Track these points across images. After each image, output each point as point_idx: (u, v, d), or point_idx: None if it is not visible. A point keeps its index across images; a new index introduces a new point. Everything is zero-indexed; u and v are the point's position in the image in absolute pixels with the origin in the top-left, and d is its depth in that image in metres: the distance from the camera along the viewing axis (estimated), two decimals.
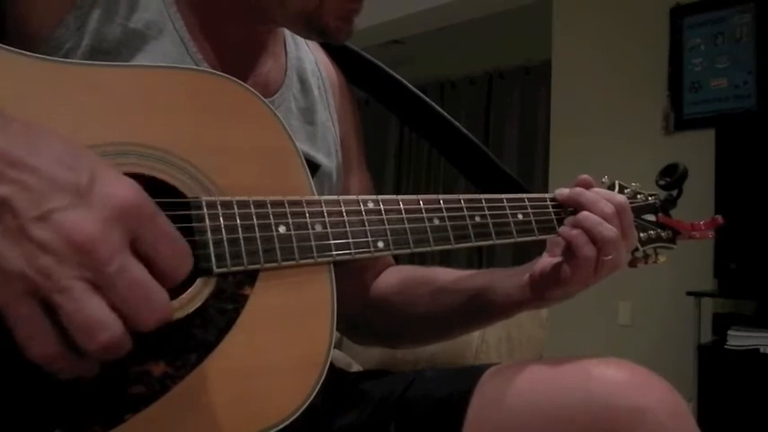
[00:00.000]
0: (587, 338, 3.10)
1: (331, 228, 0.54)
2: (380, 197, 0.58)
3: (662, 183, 0.78)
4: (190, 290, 0.48)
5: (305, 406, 0.49)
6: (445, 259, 4.23)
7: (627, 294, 3.00)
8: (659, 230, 0.76)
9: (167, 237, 0.41)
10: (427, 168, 5.25)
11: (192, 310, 0.47)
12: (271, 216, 0.51)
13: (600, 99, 3.22)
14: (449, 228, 0.61)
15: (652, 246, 0.76)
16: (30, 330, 0.37)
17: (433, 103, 0.83)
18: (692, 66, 2.96)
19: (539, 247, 0.73)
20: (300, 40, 0.78)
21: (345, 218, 0.55)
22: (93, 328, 0.37)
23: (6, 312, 0.37)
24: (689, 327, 2.56)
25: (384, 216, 0.57)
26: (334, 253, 0.54)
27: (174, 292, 0.47)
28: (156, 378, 0.45)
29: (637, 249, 0.74)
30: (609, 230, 0.64)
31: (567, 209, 0.69)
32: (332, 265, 0.54)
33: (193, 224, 0.48)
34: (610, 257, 0.64)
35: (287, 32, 0.76)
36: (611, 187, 0.76)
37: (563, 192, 0.70)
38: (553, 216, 0.69)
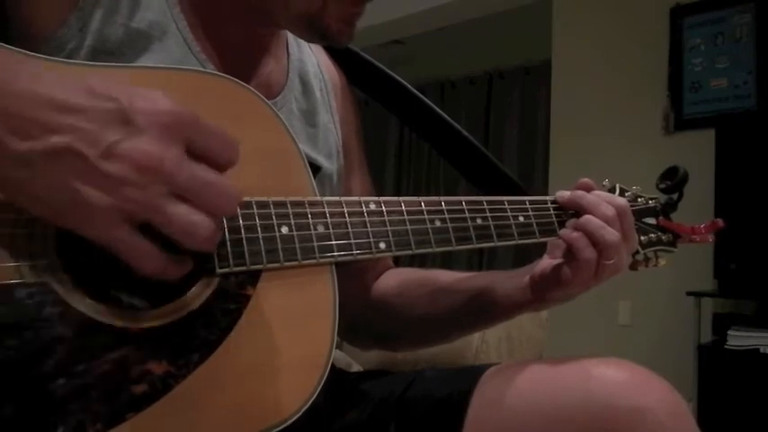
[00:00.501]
0: (587, 338, 3.10)
1: (333, 228, 0.54)
2: (382, 198, 0.59)
3: (662, 186, 0.78)
4: (193, 289, 0.48)
5: (306, 406, 0.49)
6: (446, 261, 4.23)
7: (627, 294, 3.00)
8: (660, 234, 0.77)
9: (212, 133, 0.44)
10: (427, 169, 5.25)
11: (195, 309, 0.48)
12: (273, 217, 0.51)
13: (600, 99, 3.22)
14: (450, 229, 0.61)
15: (652, 249, 0.76)
16: (137, 253, 0.42)
17: (433, 105, 0.83)
18: (692, 66, 2.96)
19: (539, 250, 0.73)
20: (303, 42, 0.78)
21: (347, 219, 0.56)
22: (192, 230, 0.42)
23: (112, 244, 0.41)
24: (689, 327, 2.56)
25: (386, 217, 0.58)
26: (336, 254, 0.54)
27: (177, 291, 0.48)
28: (159, 377, 0.45)
29: (637, 252, 0.74)
30: (610, 234, 0.64)
31: (569, 211, 0.69)
32: (334, 266, 0.54)
33: None
34: (610, 261, 0.65)
35: (289, 34, 0.76)
36: (612, 190, 0.76)
37: (564, 194, 0.70)
38: (554, 218, 0.69)
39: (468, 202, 0.64)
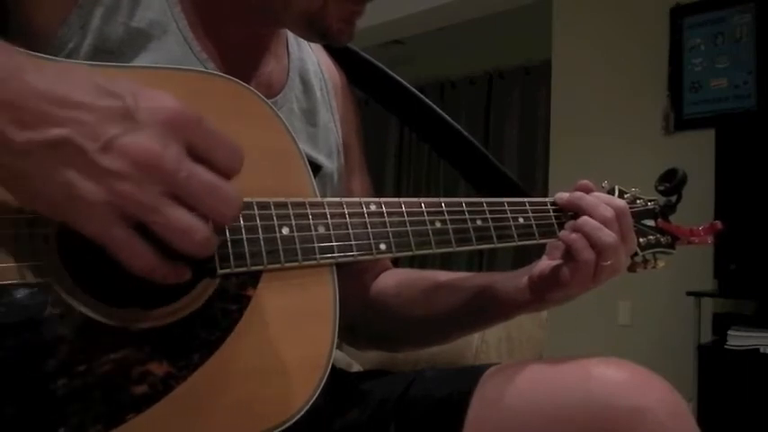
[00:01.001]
0: (587, 338, 3.10)
1: (333, 230, 0.54)
2: (383, 199, 0.59)
3: (661, 188, 0.78)
4: (193, 290, 0.48)
5: (307, 407, 0.49)
6: (446, 263, 4.23)
7: (626, 294, 3.00)
8: (658, 235, 0.77)
9: (216, 137, 0.44)
10: (427, 169, 5.25)
11: (196, 309, 0.48)
12: (274, 217, 0.52)
13: (600, 99, 3.22)
14: (450, 230, 0.61)
15: (651, 251, 0.76)
16: (130, 250, 0.41)
17: (433, 105, 0.83)
18: (692, 66, 2.96)
19: (539, 251, 0.73)
20: (303, 41, 0.78)
21: (348, 220, 0.56)
22: (187, 232, 0.41)
23: (104, 240, 0.40)
24: (689, 327, 2.56)
25: (386, 218, 0.58)
26: (337, 255, 0.54)
27: (178, 292, 0.48)
28: (159, 378, 0.45)
29: (636, 254, 0.74)
30: (608, 236, 0.65)
31: (568, 213, 0.69)
32: (334, 267, 0.54)
33: None
34: (609, 262, 0.65)
35: (290, 34, 0.76)
36: (611, 192, 0.76)
37: (563, 196, 0.70)
38: (554, 220, 0.69)
39: (468, 204, 0.64)
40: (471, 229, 0.63)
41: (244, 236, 0.50)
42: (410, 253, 0.59)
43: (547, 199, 0.70)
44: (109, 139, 0.40)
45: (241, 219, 0.50)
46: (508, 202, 0.66)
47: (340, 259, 0.54)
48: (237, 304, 0.49)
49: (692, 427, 0.58)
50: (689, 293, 2.56)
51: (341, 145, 0.78)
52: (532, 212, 0.68)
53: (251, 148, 0.53)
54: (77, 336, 0.44)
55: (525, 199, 0.68)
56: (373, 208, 0.57)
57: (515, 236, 0.65)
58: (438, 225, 0.61)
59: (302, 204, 0.54)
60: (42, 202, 0.41)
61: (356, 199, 0.57)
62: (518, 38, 4.36)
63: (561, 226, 0.69)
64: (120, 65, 0.54)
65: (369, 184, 0.86)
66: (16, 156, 0.39)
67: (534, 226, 0.67)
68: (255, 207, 0.51)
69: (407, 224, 0.59)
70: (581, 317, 2.98)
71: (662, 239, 0.77)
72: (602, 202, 0.67)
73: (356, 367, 1.20)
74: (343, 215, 0.55)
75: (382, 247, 0.57)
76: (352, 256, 0.55)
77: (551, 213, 0.69)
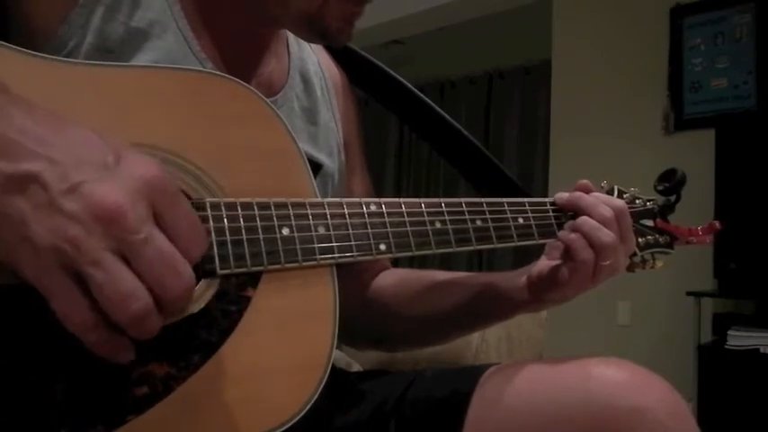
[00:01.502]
0: (587, 338, 3.10)
1: (333, 230, 0.54)
2: (383, 199, 0.59)
3: (660, 188, 0.79)
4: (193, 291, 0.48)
5: (307, 408, 0.49)
6: (446, 263, 4.23)
7: (626, 294, 3.00)
8: (657, 235, 0.77)
9: (187, 216, 0.41)
10: (427, 169, 5.25)
11: (196, 311, 0.48)
12: (274, 218, 0.52)
13: (600, 99, 3.22)
14: (450, 231, 0.61)
15: (650, 251, 0.76)
16: (65, 301, 0.38)
17: (434, 105, 0.83)
18: (692, 66, 2.96)
19: (538, 252, 0.73)
20: (303, 40, 0.78)
21: (348, 220, 0.56)
22: (123, 299, 0.37)
23: (41, 285, 0.38)
24: (689, 327, 2.56)
25: (386, 219, 0.58)
26: (337, 255, 0.54)
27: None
28: (159, 379, 0.45)
29: (635, 254, 0.74)
30: (607, 236, 0.65)
31: (568, 213, 0.69)
32: (334, 268, 0.54)
33: None
34: (607, 262, 0.65)
35: (290, 33, 0.76)
36: (610, 192, 0.76)
37: (562, 196, 0.70)
38: (553, 220, 0.69)
39: (467, 204, 0.64)
40: (471, 230, 0.63)
41: (244, 236, 0.50)
42: (410, 253, 0.59)
43: (546, 199, 0.70)
44: (77, 183, 0.38)
45: (241, 219, 0.50)
46: (508, 203, 0.66)
47: (340, 260, 0.54)
48: (237, 305, 0.49)
49: (692, 427, 0.58)
50: (689, 293, 2.56)
51: (341, 144, 0.78)
52: (532, 213, 0.68)
53: (251, 147, 0.54)
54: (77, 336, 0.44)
55: (525, 199, 0.68)
56: (373, 208, 0.57)
57: (515, 236, 0.65)
58: (438, 225, 0.61)
59: (302, 205, 0.54)
60: None
61: (356, 199, 0.57)
62: (518, 38, 4.36)
63: (560, 226, 0.69)
64: (120, 64, 0.54)
65: (369, 183, 0.86)
66: None
67: (534, 226, 0.67)
68: (255, 207, 0.51)
69: (407, 224, 0.59)
70: (581, 317, 2.98)
71: (660, 239, 0.77)
72: (602, 202, 0.67)
73: (356, 367, 1.20)
74: (343, 215, 0.55)
75: (382, 247, 0.57)
76: (352, 256, 0.55)
77: (551, 213, 0.69)
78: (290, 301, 0.51)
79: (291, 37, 0.76)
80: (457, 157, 0.85)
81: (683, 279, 2.58)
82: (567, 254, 0.66)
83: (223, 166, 0.52)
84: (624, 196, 0.77)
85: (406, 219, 0.59)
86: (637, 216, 0.75)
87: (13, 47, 0.47)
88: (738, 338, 2.37)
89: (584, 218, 0.66)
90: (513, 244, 0.65)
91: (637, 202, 0.78)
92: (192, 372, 0.46)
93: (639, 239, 0.75)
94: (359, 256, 0.55)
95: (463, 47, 4.63)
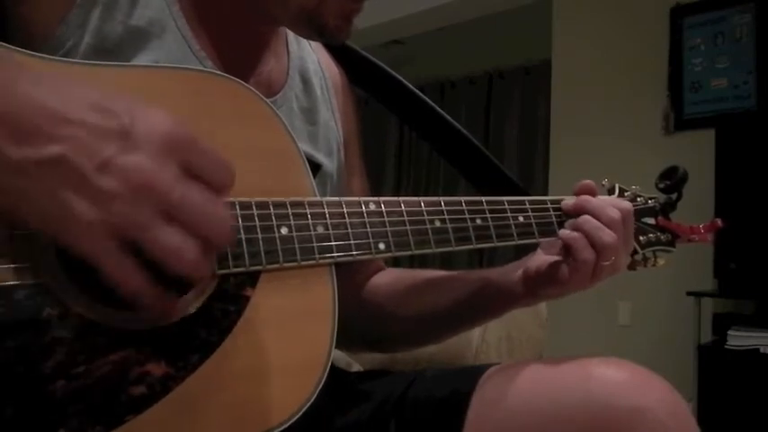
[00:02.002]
0: (587, 338, 3.10)
1: (333, 229, 0.54)
2: (382, 199, 0.59)
3: (662, 186, 0.78)
4: (192, 291, 0.48)
5: (306, 407, 0.49)
6: (446, 263, 4.23)
7: (627, 294, 3.00)
8: (658, 234, 0.77)
9: (209, 155, 0.44)
10: (427, 169, 5.25)
11: (194, 310, 0.48)
12: (273, 217, 0.51)
13: (600, 99, 3.22)
14: (450, 230, 0.61)
15: (651, 249, 0.76)
16: (121, 270, 0.41)
17: (434, 104, 0.83)
18: (692, 66, 2.96)
19: (536, 247, 0.73)
20: (303, 40, 0.78)
21: (347, 219, 0.55)
22: (178, 253, 0.41)
23: (96, 259, 0.40)
24: (689, 327, 2.56)
25: (385, 218, 0.58)
26: (336, 254, 0.54)
27: (177, 292, 0.47)
28: (158, 379, 0.45)
29: (636, 252, 0.74)
30: (608, 236, 0.65)
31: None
32: (333, 267, 0.54)
33: None
34: (608, 262, 0.65)
35: (289, 32, 0.76)
36: (612, 190, 0.76)
37: (568, 202, 0.70)
38: (554, 219, 0.69)
39: (467, 203, 0.63)
40: (471, 228, 0.63)
41: (242, 236, 0.50)
42: (409, 252, 0.58)
43: (547, 198, 0.70)
44: (105, 159, 0.40)
45: (240, 219, 0.50)
46: (508, 201, 0.66)
47: (339, 259, 0.54)
48: (236, 305, 0.49)
49: (693, 427, 0.58)
50: (689, 293, 2.56)
51: (341, 143, 0.78)
52: (532, 211, 0.67)
53: (250, 147, 0.53)
54: (76, 337, 0.43)
55: (525, 198, 0.68)
56: (372, 207, 0.57)
57: (515, 235, 0.65)
58: (437, 224, 0.61)
59: (301, 204, 0.53)
60: (37, 219, 0.40)
61: (355, 198, 0.57)
62: (518, 38, 4.36)
63: (561, 225, 0.68)
64: (120, 64, 0.54)
65: (367, 184, 0.86)
66: (12, 173, 0.39)
67: (534, 225, 0.67)
68: (254, 207, 0.51)
69: (407, 223, 0.59)
70: (581, 317, 2.98)
71: (662, 237, 0.77)
72: (609, 204, 0.67)
73: (356, 367, 1.20)
74: (342, 215, 0.55)
75: (381, 246, 0.57)
76: (352, 255, 0.55)
77: (551, 212, 0.69)
78: (288, 300, 0.51)
79: (291, 35, 0.76)
80: (457, 157, 0.85)
81: (683, 279, 2.58)
82: (568, 252, 0.66)
83: None
84: (625, 194, 0.77)
85: (406, 218, 0.59)
86: (638, 214, 0.75)
87: (12, 47, 0.47)
88: (738, 338, 2.37)
89: (585, 217, 0.66)
90: (513, 242, 0.65)
91: (638, 200, 0.77)
92: (190, 372, 0.46)
93: (641, 237, 0.74)
94: (358, 255, 0.55)
95: (463, 47, 4.63)
